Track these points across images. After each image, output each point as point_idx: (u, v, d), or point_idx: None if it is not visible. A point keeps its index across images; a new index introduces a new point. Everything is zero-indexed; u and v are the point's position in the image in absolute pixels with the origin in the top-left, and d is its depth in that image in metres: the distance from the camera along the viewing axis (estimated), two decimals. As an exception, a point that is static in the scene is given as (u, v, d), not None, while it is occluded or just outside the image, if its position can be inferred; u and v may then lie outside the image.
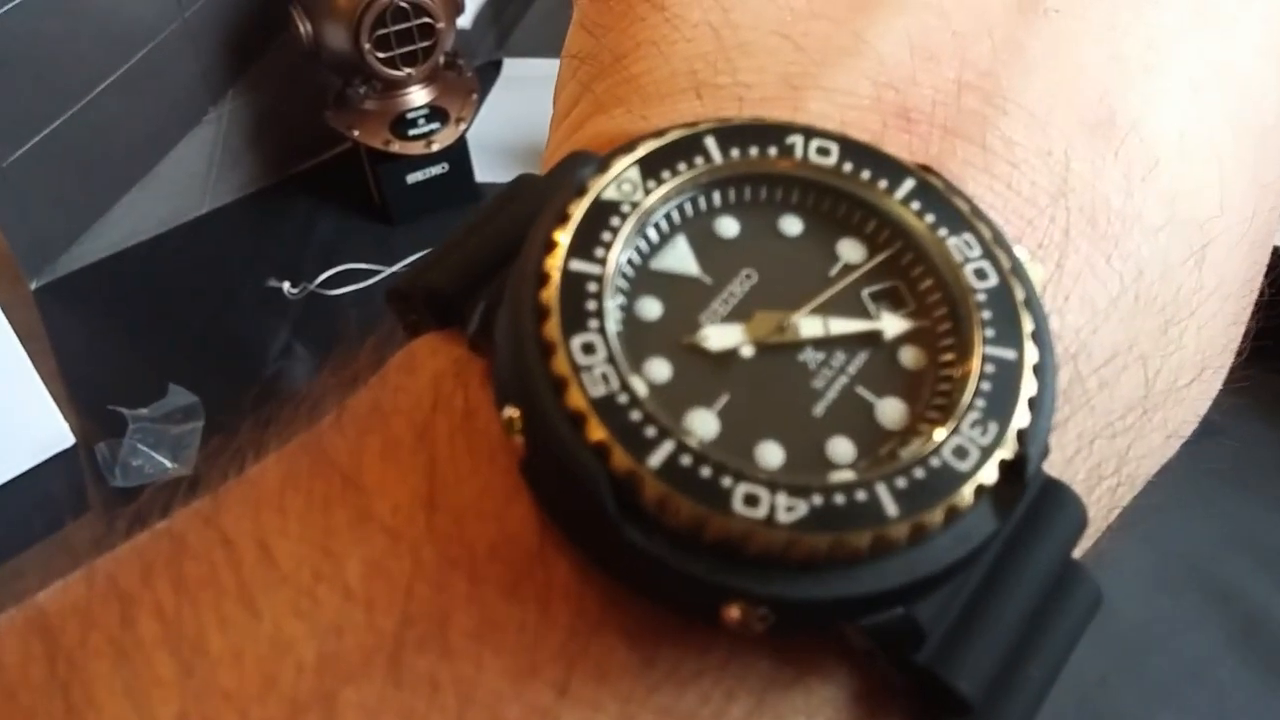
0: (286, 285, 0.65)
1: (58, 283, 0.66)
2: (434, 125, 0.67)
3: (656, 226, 0.14)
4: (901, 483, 0.12)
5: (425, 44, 0.64)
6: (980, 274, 0.14)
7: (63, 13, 0.61)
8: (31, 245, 0.65)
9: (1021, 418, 0.13)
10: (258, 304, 0.64)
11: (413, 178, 0.68)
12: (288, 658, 0.12)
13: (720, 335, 0.13)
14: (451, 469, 0.13)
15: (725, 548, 0.12)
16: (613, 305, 0.13)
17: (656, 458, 0.12)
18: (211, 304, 0.65)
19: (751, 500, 0.12)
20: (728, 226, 0.14)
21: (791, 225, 0.14)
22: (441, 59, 0.66)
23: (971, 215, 0.14)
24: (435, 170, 0.69)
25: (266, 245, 0.69)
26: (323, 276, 0.65)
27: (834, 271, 0.14)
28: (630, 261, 0.14)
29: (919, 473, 0.12)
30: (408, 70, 0.64)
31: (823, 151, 0.14)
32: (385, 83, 0.65)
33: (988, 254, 0.14)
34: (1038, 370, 0.13)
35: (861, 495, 0.12)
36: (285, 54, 0.68)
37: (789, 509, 0.12)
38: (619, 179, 0.14)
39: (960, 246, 0.14)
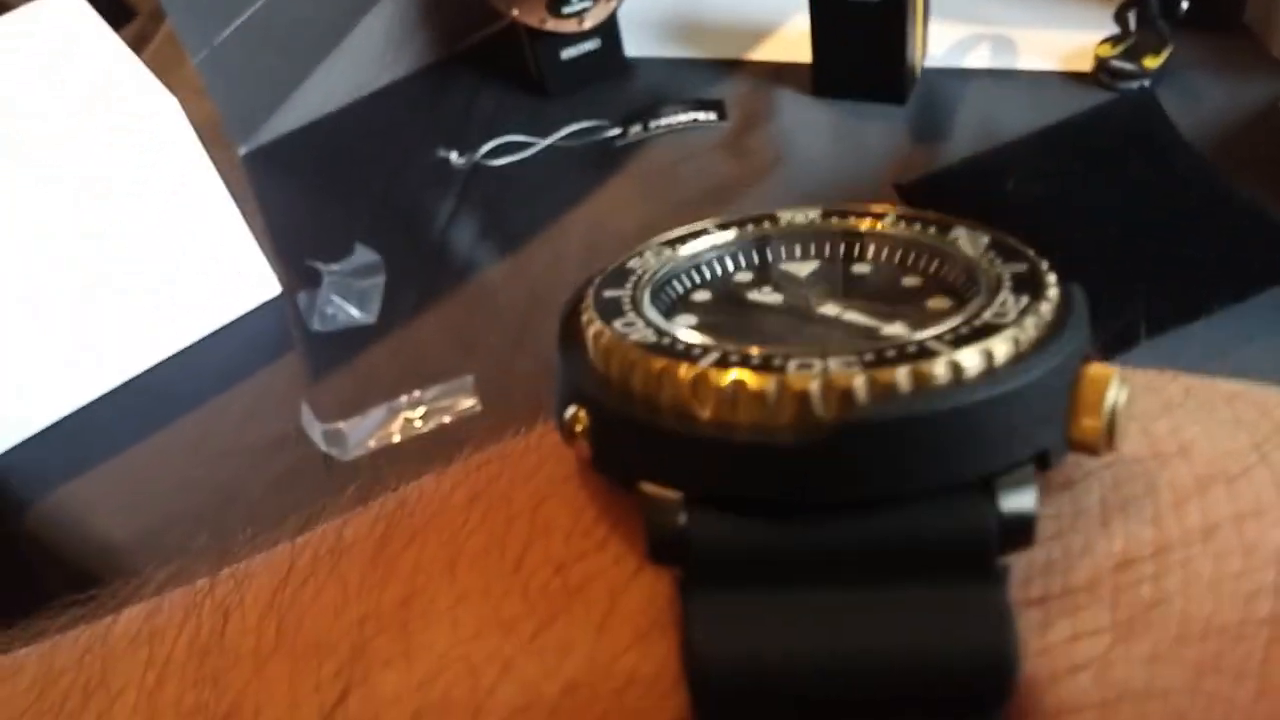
0: (454, 155, 0.72)
1: (262, 149, 0.76)
2: (586, 3, 0.71)
3: (697, 268, 0.17)
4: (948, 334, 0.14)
5: (579, -74, 0.68)
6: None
7: (259, -96, 0.67)
8: (238, 116, 0.74)
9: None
10: (429, 171, 0.72)
11: (567, 53, 0.73)
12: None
13: (755, 293, 0.17)
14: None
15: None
16: (646, 296, 0.16)
17: (709, 359, 0.14)
18: (390, 171, 0.73)
19: (806, 365, 0.14)
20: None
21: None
22: (595, -61, 0.69)
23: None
24: (588, 46, 0.74)
25: (437, 116, 0.76)
26: (486, 148, 0.72)
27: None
28: (678, 283, 0.17)
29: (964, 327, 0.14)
30: (563, -48, 0.68)
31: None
32: (542, -36, 0.69)
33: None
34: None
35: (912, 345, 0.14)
36: (452, -63, 0.73)
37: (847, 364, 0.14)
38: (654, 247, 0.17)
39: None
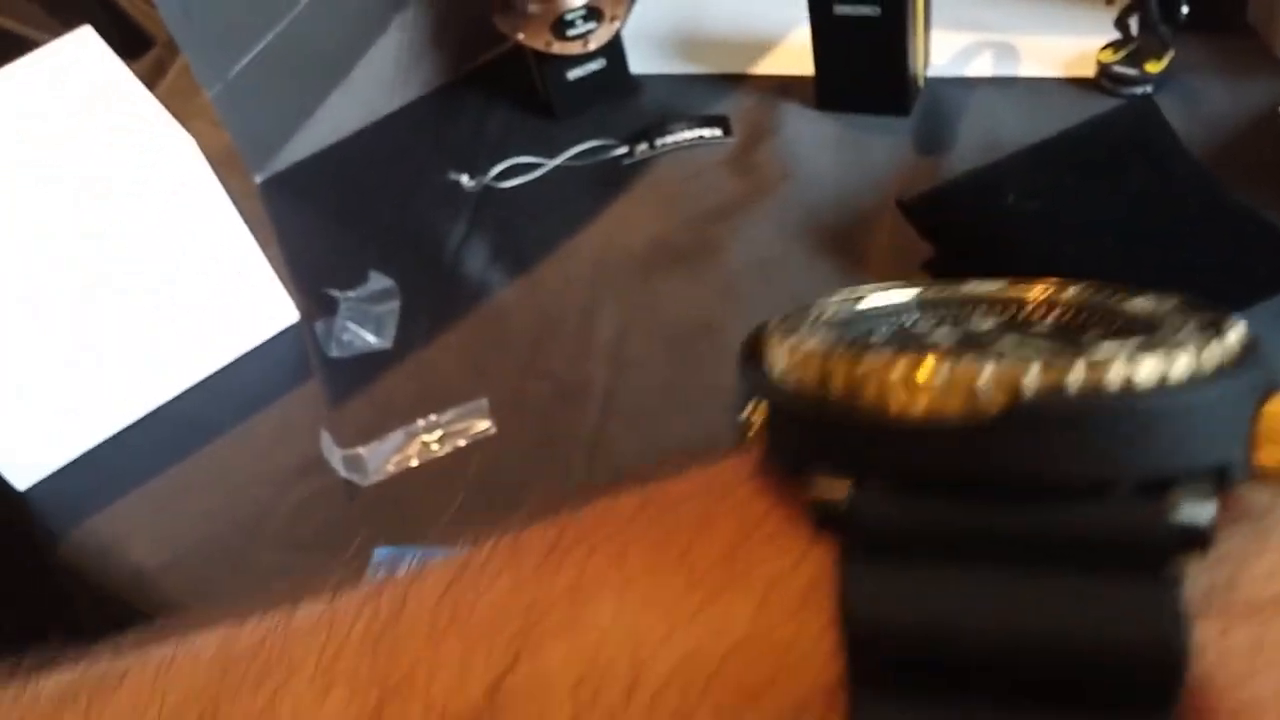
0: (464, 178, 0.73)
1: (277, 177, 0.77)
2: (590, 25, 0.72)
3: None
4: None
5: (581, -50, 0.69)
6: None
7: (268, -61, 0.69)
8: (254, 144, 0.76)
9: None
10: (441, 194, 0.73)
11: (573, 74, 0.74)
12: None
13: (932, 335, 0.18)
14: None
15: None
16: (824, 328, 0.17)
17: (881, 355, 0.15)
18: (402, 195, 0.74)
19: (979, 360, 0.14)
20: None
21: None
22: (597, -38, 0.70)
23: None
24: (594, 66, 0.75)
25: (446, 139, 0.77)
26: (495, 170, 0.73)
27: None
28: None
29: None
30: (565, -24, 0.69)
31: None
32: (546, -12, 0.70)
33: None
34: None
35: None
36: (457, -36, 0.74)
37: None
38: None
39: None
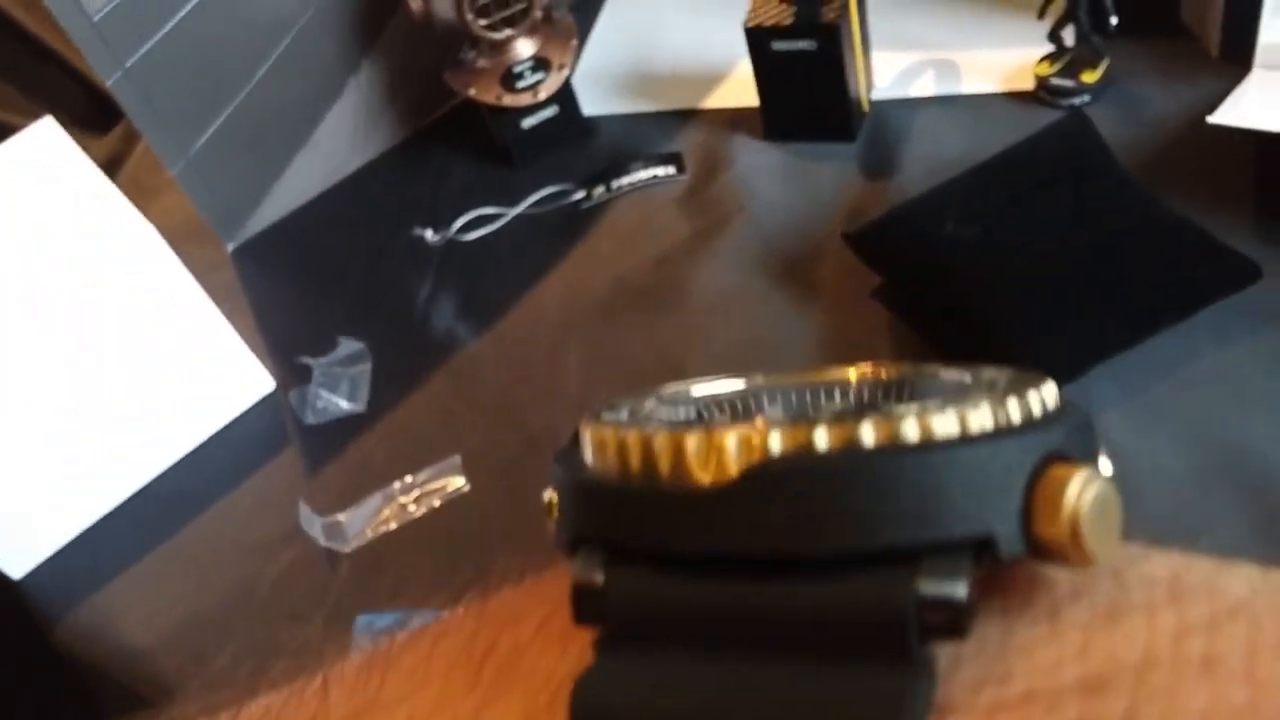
0: (429, 233, 0.75)
1: (248, 244, 0.79)
2: (539, 75, 0.73)
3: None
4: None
5: (521, 5, 0.70)
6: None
7: (218, 18, 0.70)
8: (223, 214, 0.77)
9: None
10: (406, 251, 0.75)
11: (527, 123, 0.76)
12: None
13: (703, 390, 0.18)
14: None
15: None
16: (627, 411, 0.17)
17: (653, 425, 0.15)
18: (369, 253, 0.76)
19: (735, 424, 0.14)
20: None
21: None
22: (539, 13, 0.72)
23: None
24: (547, 113, 0.76)
25: (409, 195, 0.79)
26: (458, 223, 0.74)
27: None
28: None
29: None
30: (508, 31, 0.71)
31: None
32: (491, 44, 0.72)
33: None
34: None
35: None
36: (404, 25, 0.75)
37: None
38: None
39: None
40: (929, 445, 0.13)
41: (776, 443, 0.13)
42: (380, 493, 0.61)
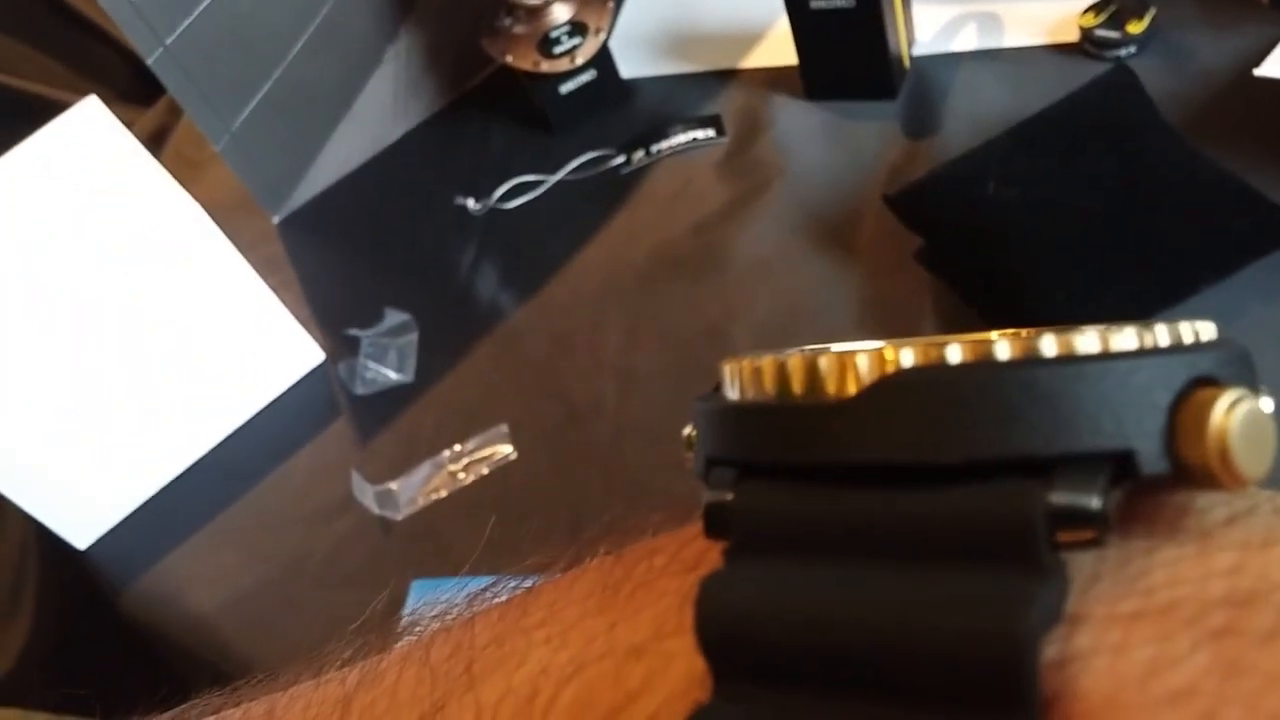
0: (470, 201, 0.75)
1: (293, 216, 0.80)
2: (576, 40, 0.73)
3: None
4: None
5: (557, -30, 0.70)
6: None
7: (255, -8, 0.71)
8: (267, 187, 0.78)
9: None
10: (448, 220, 0.75)
11: (565, 88, 0.76)
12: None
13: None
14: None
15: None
16: None
17: (789, 354, 0.15)
18: (412, 224, 0.77)
19: (864, 349, 0.14)
20: None
21: None
22: (575, -23, 0.71)
23: None
24: (584, 78, 0.76)
25: (450, 164, 0.79)
26: (499, 192, 0.75)
27: None
28: None
29: None
30: (545, -3, 0.71)
31: None
32: (527, 10, 0.72)
33: None
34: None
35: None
36: (441, -7, 0.75)
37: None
38: None
39: None
40: (1066, 359, 0.13)
41: (909, 358, 0.13)
42: (430, 461, 0.62)
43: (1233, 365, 0.14)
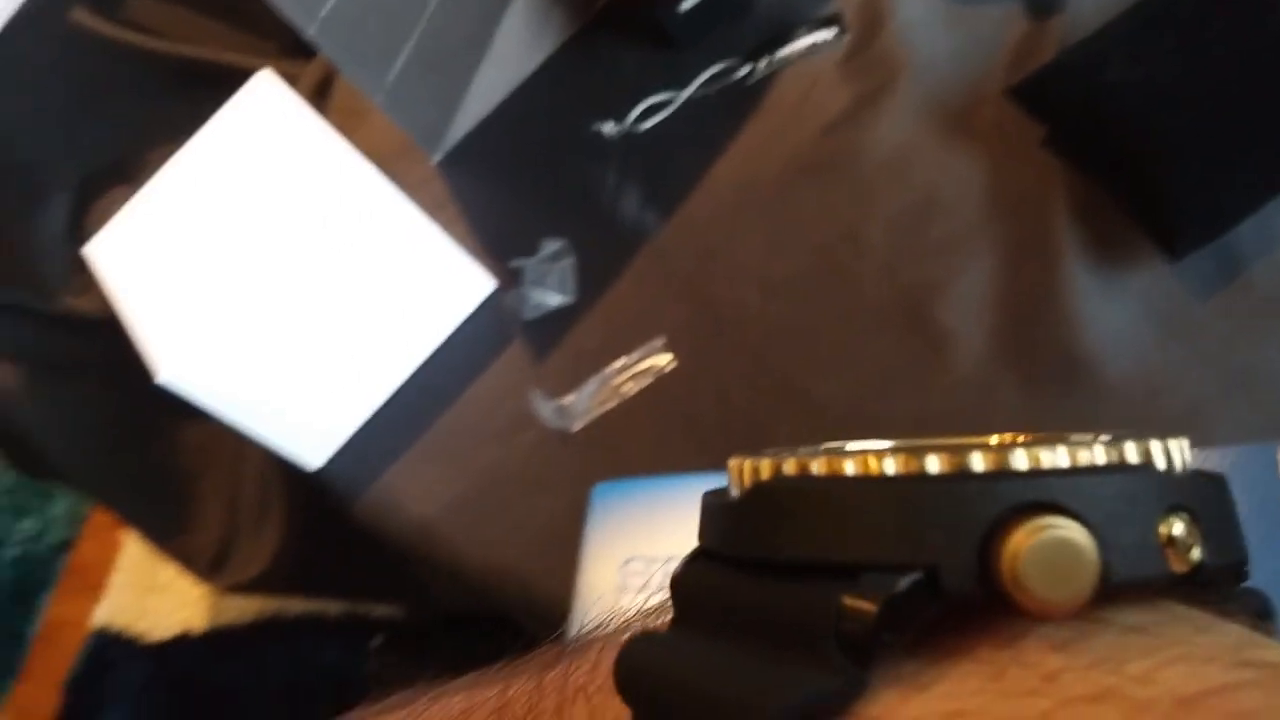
0: (608, 125, 0.80)
1: (449, 156, 0.87)
2: (693, -44, 0.75)
3: None
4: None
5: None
6: None
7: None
8: (424, 132, 0.85)
9: None
10: (589, 146, 0.80)
11: (684, 5, 0.78)
12: None
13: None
14: None
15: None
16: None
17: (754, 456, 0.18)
18: (556, 153, 0.82)
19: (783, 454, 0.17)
20: None
21: None
22: (687, -105, 0.73)
23: None
24: (704, -9, 0.78)
25: (586, 90, 0.83)
26: (634, 114, 0.79)
27: None
28: None
29: None
30: (660, -80, 0.73)
31: None
32: (645, -66, 0.74)
33: None
34: None
35: None
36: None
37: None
38: None
39: None
40: (885, 479, 0.15)
41: (768, 470, 0.16)
42: (597, 376, 0.69)
43: (1078, 491, 0.14)
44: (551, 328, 0.73)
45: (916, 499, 0.15)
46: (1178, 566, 0.15)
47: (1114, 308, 0.58)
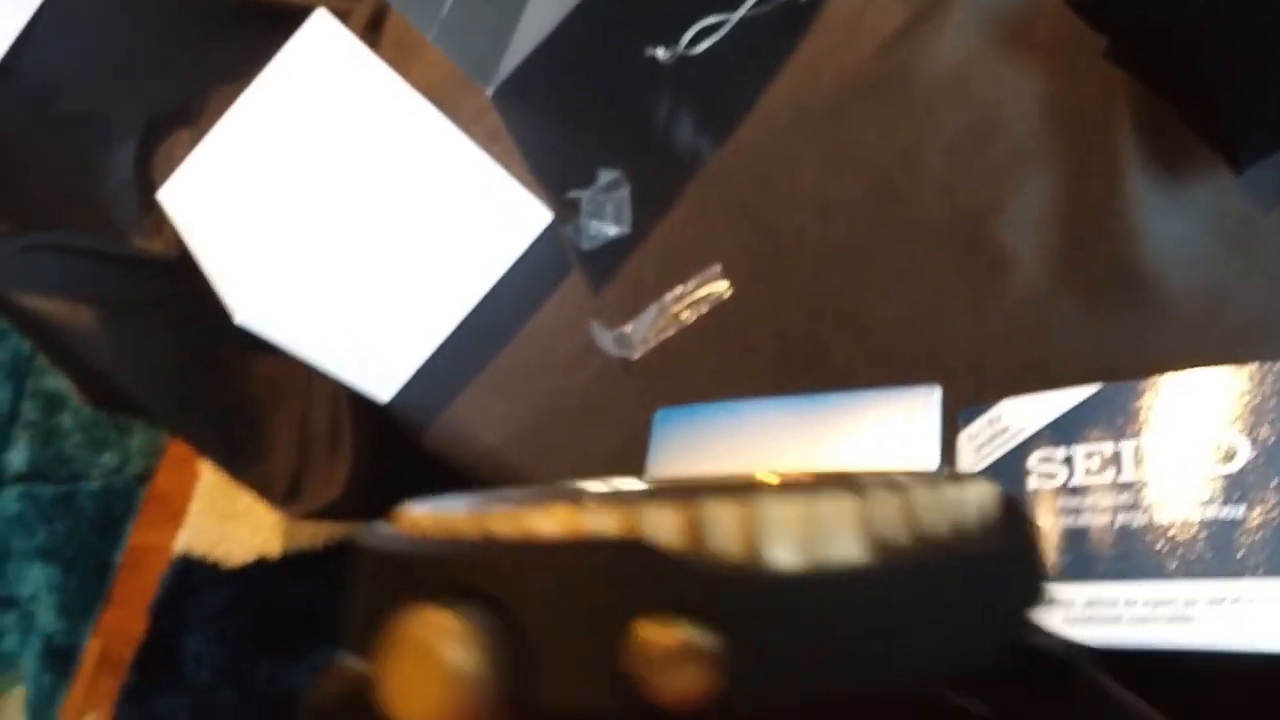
0: (660, 51, 0.79)
1: (503, 87, 0.87)
2: (743, -126, 0.74)
3: None
4: None
5: None
6: None
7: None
8: (477, 64, 0.86)
9: None
10: (641, 73, 0.80)
11: (737, -77, 0.77)
12: None
13: None
14: None
15: None
16: None
17: None
18: (608, 80, 0.82)
19: None
20: None
21: None
22: None
23: None
24: (755, -92, 0.77)
25: (635, 14, 0.83)
26: (685, 39, 0.78)
27: None
28: None
29: None
30: None
31: None
32: None
33: None
34: None
35: None
36: None
37: None
38: None
39: None
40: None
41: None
42: (655, 304, 0.70)
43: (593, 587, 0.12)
44: (609, 258, 0.74)
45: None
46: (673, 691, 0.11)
47: (1177, 221, 0.57)
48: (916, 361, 0.61)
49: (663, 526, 0.12)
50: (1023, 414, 0.51)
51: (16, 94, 1.02)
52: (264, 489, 1.05)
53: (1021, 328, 0.59)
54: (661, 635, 0.11)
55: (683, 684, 0.11)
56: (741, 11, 0.77)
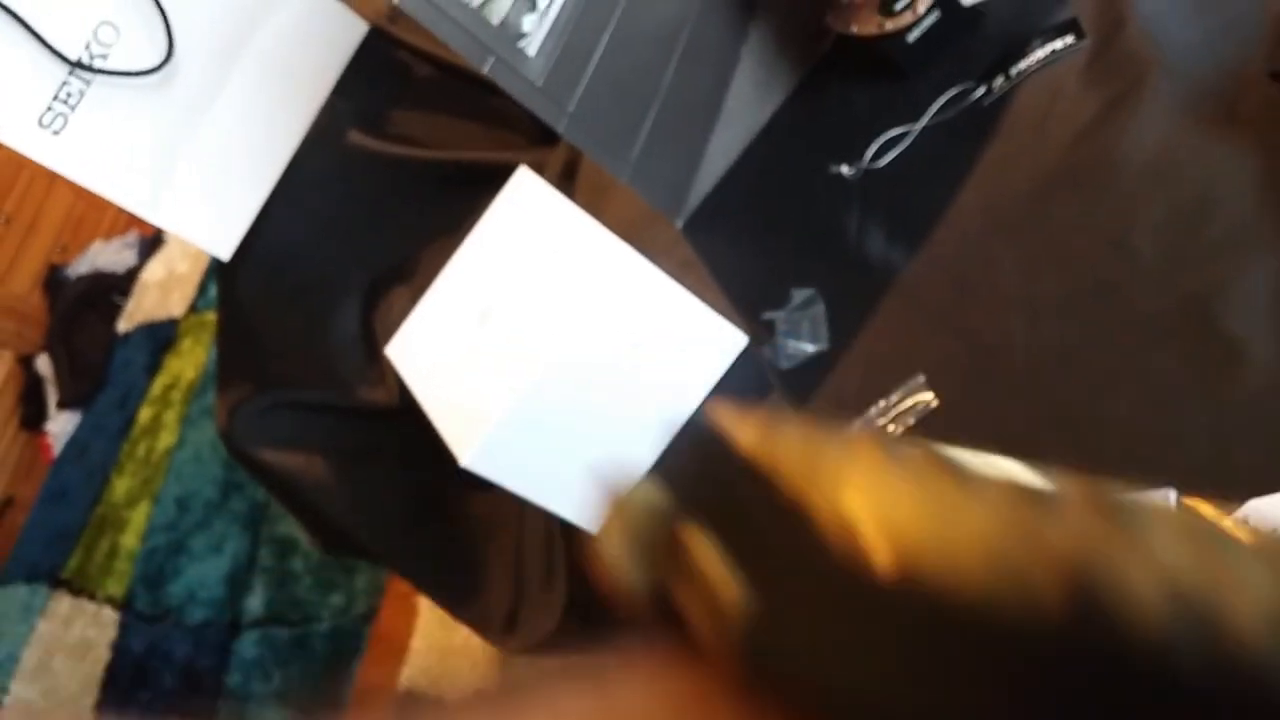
0: (844, 168, 0.80)
1: (692, 218, 0.90)
2: (913, -10, 0.75)
3: None
4: None
5: (883, -67, 0.72)
6: None
7: (627, 44, 0.80)
8: (667, 199, 0.89)
9: None
10: (828, 190, 0.81)
11: (912, 36, 0.78)
12: None
13: None
14: None
15: None
16: None
17: None
18: (796, 201, 0.83)
19: None
20: None
21: None
22: (901, -68, 0.73)
23: None
24: (929, 20, 0.77)
25: (818, 135, 0.84)
26: (869, 152, 0.79)
27: None
28: None
29: None
30: (876, -38, 0.73)
31: None
32: (862, -22, 0.75)
33: None
34: None
35: None
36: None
37: None
38: None
39: None
40: None
41: None
42: (860, 420, 0.69)
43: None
44: (808, 376, 0.74)
45: None
46: None
47: None
48: (1148, 462, 0.57)
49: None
50: (1274, 513, 0.47)
51: (255, 268, 1.13)
52: (481, 624, 1.07)
53: (1262, 420, 0.55)
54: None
55: None
56: (924, 120, 0.77)
